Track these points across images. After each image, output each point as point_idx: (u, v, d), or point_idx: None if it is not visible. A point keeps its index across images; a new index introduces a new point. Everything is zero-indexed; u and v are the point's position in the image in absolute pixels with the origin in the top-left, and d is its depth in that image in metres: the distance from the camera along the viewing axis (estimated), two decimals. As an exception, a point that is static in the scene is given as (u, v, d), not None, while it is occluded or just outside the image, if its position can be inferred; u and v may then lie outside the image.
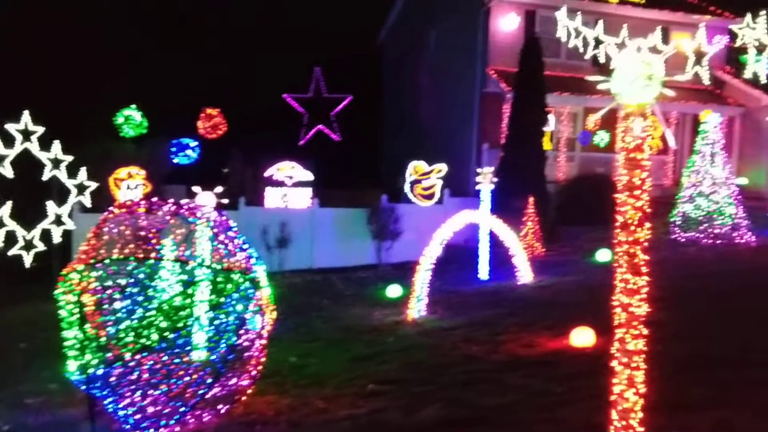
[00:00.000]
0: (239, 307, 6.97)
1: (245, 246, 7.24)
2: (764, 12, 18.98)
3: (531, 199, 16.95)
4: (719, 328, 8.75)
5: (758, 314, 9.16)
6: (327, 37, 32.33)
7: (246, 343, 7.03)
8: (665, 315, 9.26)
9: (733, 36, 23.54)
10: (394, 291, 14.11)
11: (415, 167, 19.52)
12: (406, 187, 19.52)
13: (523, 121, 18.72)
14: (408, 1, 27.48)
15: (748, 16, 20.57)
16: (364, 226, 18.04)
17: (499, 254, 14.72)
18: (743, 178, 22.42)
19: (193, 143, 23.74)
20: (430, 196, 19.43)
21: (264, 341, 7.24)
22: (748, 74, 20.28)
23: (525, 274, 13.97)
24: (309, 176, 19.33)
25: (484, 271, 15.03)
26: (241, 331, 6.95)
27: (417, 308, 12.04)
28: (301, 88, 24.34)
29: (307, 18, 33.05)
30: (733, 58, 24.20)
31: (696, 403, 6.27)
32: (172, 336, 7.25)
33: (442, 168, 19.46)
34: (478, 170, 15.39)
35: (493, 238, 14.61)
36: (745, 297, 10.27)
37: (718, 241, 14.73)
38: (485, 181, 15.09)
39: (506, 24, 22.07)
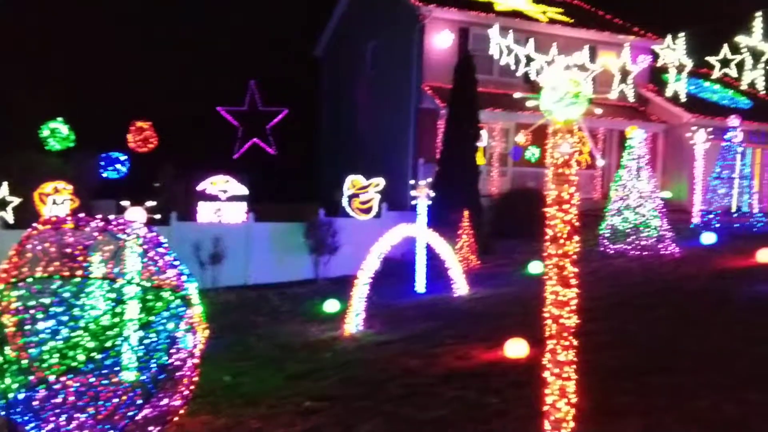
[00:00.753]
0: (170, 326, 6.79)
1: (176, 262, 7.07)
2: (683, 34, 20.01)
3: (466, 213, 17.20)
4: (646, 337, 9.04)
5: (683, 322, 9.53)
6: (263, 49, 32.07)
7: (177, 363, 6.85)
8: (595, 325, 9.53)
9: (656, 56, 24.71)
10: (331, 306, 14.03)
11: (353, 181, 19.53)
12: (344, 201, 19.50)
13: (458, 137, 19.03)
14: (345, 16, 27.61)
15: (669, 38, 21.64)
16: (301, 240, 17.90)
17: (436, 267, 14.85)
18: (667, 191, 23.38)
19: (123, 157, 23.10)
20: (367, 210, 19.47)
21: (196, 360, 7.07)
22: (669, 93, 21.39)
23: (460, 287, 14.14)
24: (244, 190, 19.06)
25: (421, 284, 15.13)
26: (173, 350, 6.77)
27: (354, 323, 12.01)
28: (236, 101, 24.06)
29: (242, 30, 32.72)
30: (657, 76, 25.32)
31: (625, 411, 6.46)
32: (99, 356, 6.99)
33: (380, 182, 19.54)
34: (415, 184, 15.52)
35: (430, 251, 14.74)
36: (670, 306, 10.66)
37: (645, 253, 15.27)
38: (422, 195, 15.23)
39: (441, 41, 22.43)
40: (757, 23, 17.90)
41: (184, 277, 7.07)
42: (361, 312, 12.10)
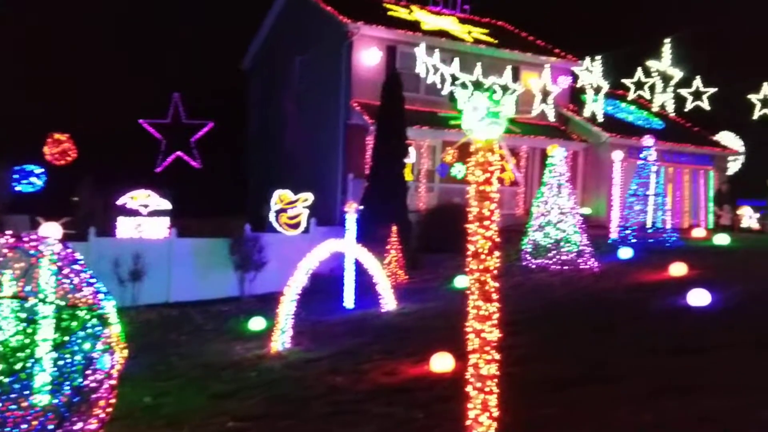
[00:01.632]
0: (86, 346, 6.51)
1: (93, 280, 6.80)
2: (600, 57, 20.88)
3: (394, 228, 17.31)
4: (568, 349, 9.29)
5: (602, 334, 9.85)
6: (189, 61, 31.51)
7: (93, 385, 6.56)
8: (518, 338, 9.73)
9: (576, 77, 25.65)
10: (257, 323, 13.80)
11: (281, 196, 19.36)
12: (272, 216, 19.29)
13: (386, 153, 19.18)
14: (273, 29, 27.46)
15: (588, 60, 22.53)
16: (226, 256, 17.56)
17: (364, 282, 14.86)
18: (587, 207, 24.25)
19: (39, 170, 22.10)
20: (295, 225, 19.31)
21: (114, 381, 6.79)
22: (587, 113, 22.28)
23: (388, 302, 14.18)
24: (166, 205, 18.54)
25: (349, 300, 15.09)
26: (88, 372, 6.48)
27: (281, 340, 11.84)
28: (160, 114, 23.48)
29: (168, 42, 32.08)
30: (577, 97, 26.30)
31: (547, 423, 6.60)
32: (8, 380, 6.62)
33: (308, 197, 19.45)
34: (344, 199, 15.52)
35: (359, 267, 14.73)
36: (590, 319, 11.01)
37: (565, 267, 15.73)
38: (350, 210, 15.25)
39: (368, 58, 22.62)
40: (667, 49, 18.92)
41: (101, 295, 6.80)
42: (288, 329, 11.95)
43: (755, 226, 24.84)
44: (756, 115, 20.10)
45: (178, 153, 22.46)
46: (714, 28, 31.53)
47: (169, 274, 17.28)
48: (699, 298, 10.56)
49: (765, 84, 20.11)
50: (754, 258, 14.73)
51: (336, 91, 22.93)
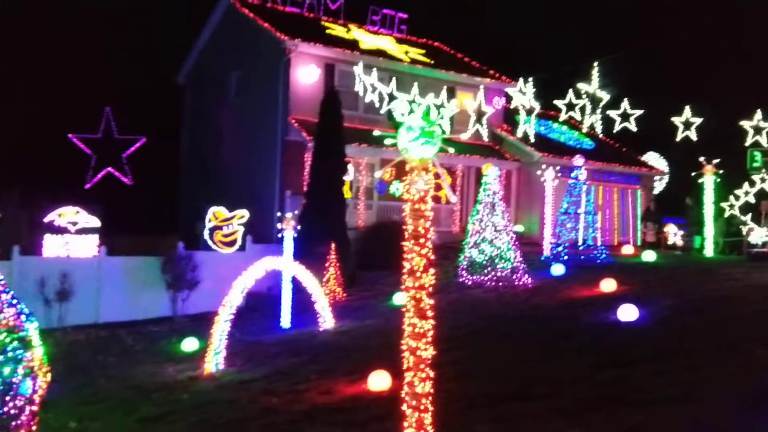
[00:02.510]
0: (6, 371, 6.21)
1: (14, 301, 6.50)
2: (532, 79, 21.46)
3: (333, 245, 17.25)
4: (502, 365, 9.42)
5: (536, 349, 10.03)
6: (122, 75, 30.74)
7: (13, 411, 6.25)
8: (455, 355, 9.81)
9: (510, 98, 26.26)
10: (190, 344, 13.47)
11: (215, 213, 19.03)
12: (206, 234, 18.92)
13: (324, 170, 19.14)
14: (209, 43, 27.10)
15: (521, 81, 23.13)
16: (158, 275, 17.08)
17: (302, 301, 14.72)
18: (520, 225, 24.77)
19: (-41, 185, 21.04)
20: (231, 243, 19.00)
21: (36, 407, 6.49)
22: (520, 133, 22.86)
23: (326, 320, 14.08)
24: (95, 222, 17.94)
25: (286, 319, 14.91)
26: (8, 398, 6.17)
27: (215, 361, 11.58)
28: (90, 129, 22.78)
29: (100, 55, 31.24)
30: (511, 117, 26.94)
31: (481, 439, 6.66)
32: None
33: (244, 214, 19.18)
34: (281, 216, 15.37)
35: (296, 285, 14.59)
36: (524, 334, 11.20)
37: (500, 284, 15.99)
38: (288, 227, 15.11)
39: (307, 75, 22.60)
40: (595, 72, 19.66)
41: (23, 317, 6.51)
42: (222, 350, 11.70)
43: (680, 243, 25.89)
44: (679, 136, 21.03)
45: (109, 169, 21.83)
46: (640, 52, 32.94)
47: (99, 294, 16.69)
48: (628, 313, 10.90)
49: (687, 107, 21.12)
50: (679, 274, 15.33)
51: (274, 108, 22.78)
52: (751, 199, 26.64)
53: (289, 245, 14.91)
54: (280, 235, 15.22)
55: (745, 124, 21.01)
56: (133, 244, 18.88)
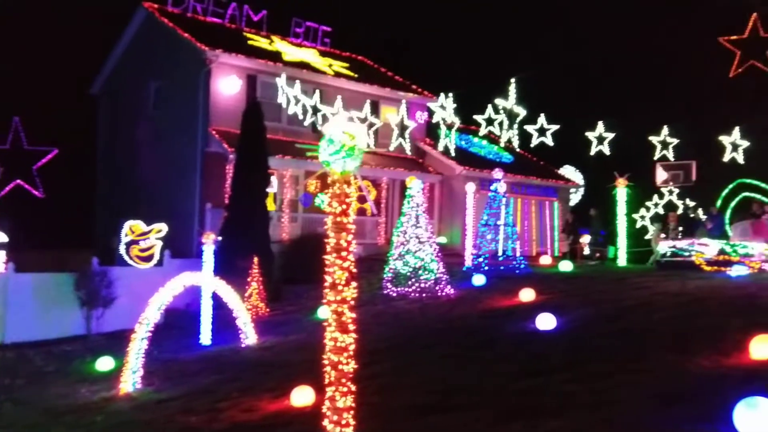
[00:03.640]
0: None
1: None
2: (452, 94, 21.90)
3: (255, 259, 16.98)
4: (426, 376, 9.48)
5: (458, 360, 10.15)
6: (34, 86, 29.40)
7: None
8: (379, 367, 9.82)
9: (432, 113, 26.68)
10: (105, 363, 12.94)
11: (132, 227, 18.40)
12: (122, 249, 18.27)
13: (247, 182, 18.86)
14: (126, 53, 26.31)
15: (442, 96, 23.56)
16: (71, 292, 16.35)
17: (223, 317, 14.41)
18: (443, 237, 25.14)
19: None
20: (148, 258, 18.40)
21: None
22: (441, 147, 23.28)
23: (249, 336, 13.82)
24: (2, 237, 17.02)
25: (206, 336, 14.55)
26: None
27: (131, 381, 11.16)
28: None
29: (10, 65, 29.80)
30: (433, 131, 27.39)
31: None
32: None
33: (162, 228, 18.63)
34: (201, 230, 15.04)
35: (217, 300, 14.27)
36: (447, 345, 11.31)
37: (424, 295, 16.14)
38: (208, 241, 14.78)
39: (228, 86, 22.29)
40: (512, 88, 20.26)
41: None
42: (139, 368, 11.30)
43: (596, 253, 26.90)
44: (593, 150, 21.91)
45: (18, 181, 20.78)
46: (555, 69, 34.18)
47: (5, 313, 15.81)
48: (546, 322, 11.20)
49: (600, 122, 22.04)
50: (594, 284, 15.89)
51: (194, 119, 22.33)
52: (661, 211, 28.02)
53: (209, 260, 14.58)
54: (200, 249, 14.86)
55: (654, 139, 22.12)
56: (44, 260, 18.03)
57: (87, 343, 15.73)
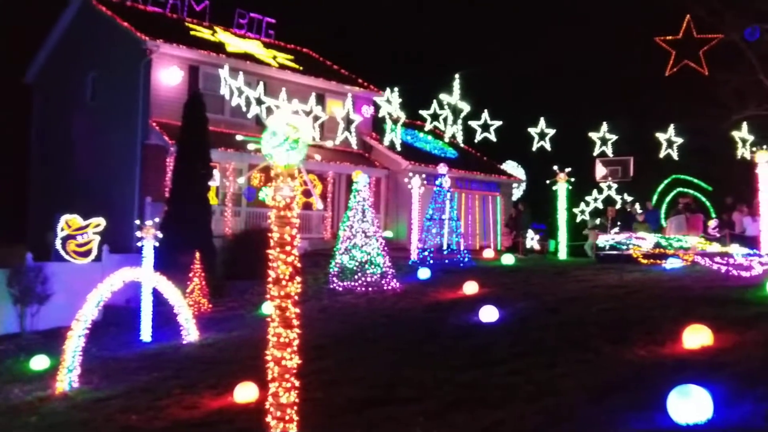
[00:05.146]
0: None
1: None
2: (398, 89, 21.97)
3: (197, 254, 16.69)
4: (371, 370, 9.49)
5: (402, 353, 10.20)
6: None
7: None
8: (324, 362, 9.80)
9: (378, 107, 26.72)
10: (40, 362, 12.51)
11: (68, 221, 17.83)
12: (58, 244, 17.67)
13: (188, 175, 18.49)
14: (62, 42, 25.41)
15: (388, 91, 23.62)
16: (3, 289, 15.75)
17: (164, 313, 14.14)
18: (389, 231, 25.22)
19: None
20: (86, 253, 17.86)
21: None
22: (387, 141, 23.31)
23: (191, 333, 13.59)
24: (-71, 233, 16.29)
25: (147, 333, 14.23)
26: None
27: (68, 380, 10.84)
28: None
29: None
30: (379, 126, 27.41)
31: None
32: None
33: (100, 222, 18.11)
34: (141, 224, 14.67)
35: (158, 297, 13.98)
36: (392, 339, 11.36)
37: (370, 289, 16.16)
38: (148, 236, 14.43)
39: (169, 77, 21.79)
40: (456, 84, 20.44)
41: None
42: (76, 367, 10.97)
43: (537, 247, 27.47)
44: (535, 146, 22.32)
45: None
46: (498, 66, 34.66)
47: (-71, 312, 15.12)
48: (488, 314, 11.37)
49: (541, 119, 22.44)
50: (535, 276, 16.20)
51: (133, 110, 21.75)
52: (600, 205, 28.77)
53: (149, 255, 14.25)
54: (139, 244, 14.52)
55: (593, 135, 22.68)
56: (-27, 256, 17.30)
57: (20, 342, 15.19)
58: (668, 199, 25.60)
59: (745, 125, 22.86)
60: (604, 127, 22.69)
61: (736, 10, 23.22)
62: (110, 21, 22.71)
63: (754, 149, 17.59)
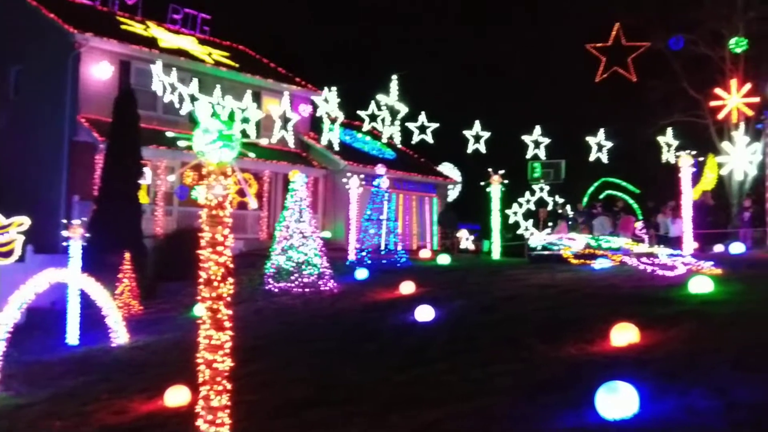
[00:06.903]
0: None
1: None
2: (336, 88, 21.90)
3: (127, 255, 16.21)
4: (307, 371, 9.41)
5: (339, 354, 10.15)
6: None
7: None
8: (258, 364, 9.65)
9: (316, 106, 26.61)
10: (-45, 368, 11.84)
11: (-11, 221, 16.97)
12: (-23, 244, 16.81)
13: (118, 173, 17.94)
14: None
15: (326, 90, 23.55)
16: None
17: (92, 315, 13.68)
18: (327, 231, 25.10)
19: None
20: (8, 254, 17.01)
21: None
22: (324, 141, 23.22)
23: (120, 335, 13.18)
24: None
25: (73, 336, 13.73)
26: None
27: (-14, 386, 10.31)
28: None
29: None
30: (318, 125, 27.23)
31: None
32: None
33: (24, 221, 17.25)
34: (68, 223, 14.14)
35: (85, 298, 13.50)
36: (329, 340, 11.28)
37: (307, 290, 16.02)
38: (75, 235, 13.93)
39: (99, 72, 21.10)
40: (394, 85, 20.51)
41: None
42: (-4, 373, 10.46)
43: (471, 247, 27.87)
44: (470, 149, 22.61)
45: None
46: (435, 69, 35.05)
47: None
48: (425, 314, 11.44)
49: (476, 121, 22.76)
50: (470, 276, 16.40)
51: (60, 106, 20.95)
52: (532, 207, 29.41)
53: (76, 255, 13.75)
54: (66, 244, 13.98)
55: (526, 138, 23.17)
56: None
57: (-66, 348, 14.34)
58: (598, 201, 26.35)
59: (670, 130, 23.80)
60: (537, 130, 23.21)
61: (663, 20, 24.13)
62: (35, 12, 21.82)
63: (678, 154, 18.29)
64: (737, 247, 17.05)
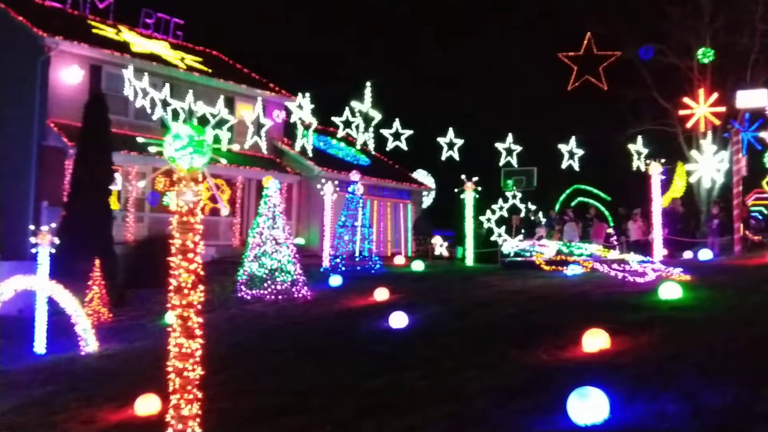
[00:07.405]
0: None
1: None
2: (310, 94, 21.87)
3: (97, 262, 15.97)
4: (280, 379, 9.35)
5: (312, 361, 10.09)
6: None
7: None
8: (231, 372, 9.56)
9: (290, 112, 26.49)
10: None
11: (-46, 227, 16.63)
12: (-59, 251, 16.47)
13: (88, 179, 17.71)
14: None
15: (300, 96, 23.49)
16: None
17: (60, 323, 13.44)
18: (301, 238, 25.01)
19: None
20: (-27, 261, 16.71)
21: None
22: (298, 147, 23.18)
23: (89, 343, 12.97)
24: None
25: (41, 344, 13.48)
26: None
27: (-52, 397, 10.05)
28: None
29: None
30: (292, 131, 27.15)
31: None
32: None
33: (-10, 228, 17.00)
34: (36, 230, 13.89)
35: (54, 306, 13.27)
36: (303, 347, 11.22)
37: (280, 297, 15.92)
38: (44, 242, 13.68)
39: (69, 76, 20.80)
40: (368, 92, 20.58)
41: None
42: (-41, 382, 10.21)
43: (445, 253, 27.97)
44: (444, 155, 22.73)
45: None
46: (409, 76, 35.18)
47: None
48: (398, 320, 11.44)
49: (450, 129, 22.91)
50: (444, 282, 16.46)
51: (29, 110, 20.60)
52: (505, 214, 29.64)
53: (44, 262, 13.51)
54: (34, 251, 13.73)
55: (499, 146, 23.37)
56: None
57: None
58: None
59: (640, 139, 24.17)
60: (510, 138, 23.42)
61: (633, 30, 24.55)
62: (4, 14, 21.45)
63: (648, 162, 18.59)
64: (705, 254, 17.35)
